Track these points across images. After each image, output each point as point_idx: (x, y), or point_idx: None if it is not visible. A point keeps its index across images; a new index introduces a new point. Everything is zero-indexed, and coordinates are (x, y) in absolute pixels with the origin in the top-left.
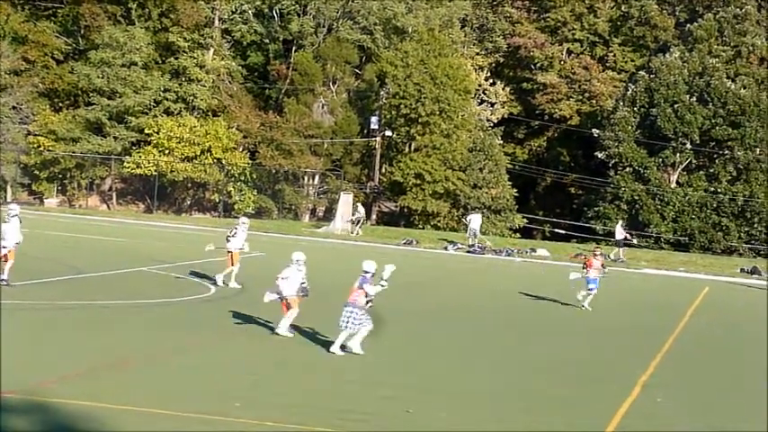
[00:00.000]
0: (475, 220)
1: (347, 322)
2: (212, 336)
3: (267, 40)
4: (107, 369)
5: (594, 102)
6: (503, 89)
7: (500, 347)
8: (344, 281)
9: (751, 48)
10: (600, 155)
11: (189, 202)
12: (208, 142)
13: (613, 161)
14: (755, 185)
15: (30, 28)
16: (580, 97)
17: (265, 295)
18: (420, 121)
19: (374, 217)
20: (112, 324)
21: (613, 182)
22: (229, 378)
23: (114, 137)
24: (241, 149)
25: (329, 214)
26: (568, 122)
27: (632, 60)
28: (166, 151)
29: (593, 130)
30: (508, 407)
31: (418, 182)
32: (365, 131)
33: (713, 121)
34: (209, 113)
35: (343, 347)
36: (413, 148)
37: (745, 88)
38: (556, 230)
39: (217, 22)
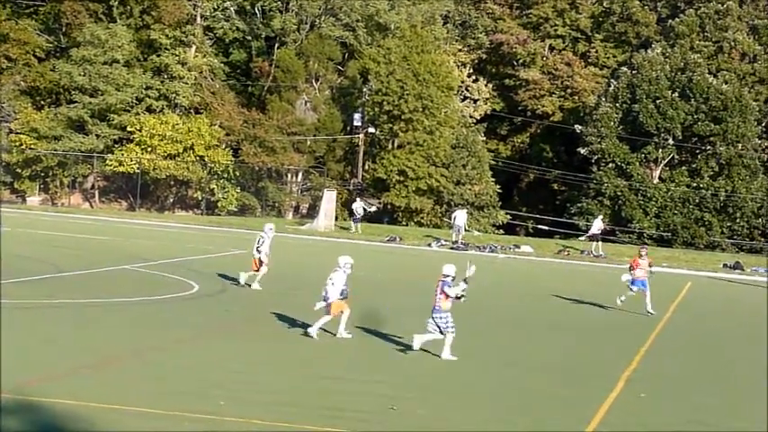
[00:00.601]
0: (460, 217)
1: (447, 326)
2: (195, 333)
3: (249, 37)
4: (90, 368)
5: (577, 98)
6: (485, 86)
7: (484, 345)
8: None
9: (732, 43)
10: (582, 151)
11: (172, 200)
12: (190, 140)
13: (596, 157)
14: (737, 181)
15: (11, 26)
16: (562, 93)
17: (316, 305)
18: (403, 117)
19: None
20: (95, 323)
21: (596, 178)
22: (213, 376)
23: (96, 135)
24: (224, 147)
25: (313, 211)
26: (551, 119)
27: (614, 56)
28: (149, 149)
29: (576, 126)
30: (491, 403)
31: (401, 179)
32: (348, 128)
33: (695, 116)
34: (192, 111)
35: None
36: (396, 144)
37: (726, 84)
38: (539, 227)
39: (199, 19)
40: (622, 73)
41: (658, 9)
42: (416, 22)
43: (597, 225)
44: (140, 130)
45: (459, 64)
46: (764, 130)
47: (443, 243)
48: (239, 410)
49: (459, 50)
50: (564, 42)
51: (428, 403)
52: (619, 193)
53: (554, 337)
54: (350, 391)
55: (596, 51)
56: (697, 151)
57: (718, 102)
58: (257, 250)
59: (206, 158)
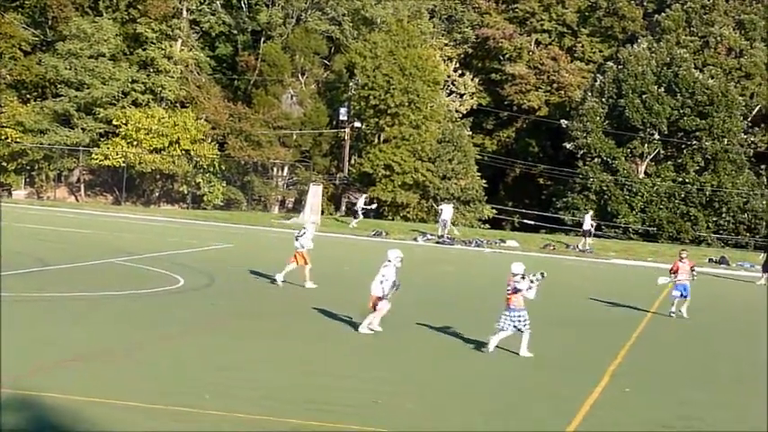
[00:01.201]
0: (446, 211)
1: (524, 324)
2: (181, 328)
3: (235, 31)
4: (75, 362)
5: (563, 92)
6: (471, 80)
7: (469, 339)
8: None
9: (719, 38)
10: (568, 146)
11: (157, 194)
12: (176, 134)
13: (582, 152)
14: (723, 176)
15: None
16: (548, 88)
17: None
18: (389, 112)
19: (343, 208)
20: (81, 316)
21: (582, 172)
22: (198, 370)
23: (82, 128)
24: (210, 141)
25: (298, 206)
26: (537, 113)
27: (600, 51)
28: (135, 143)
29: (562, 120)
30: (476, 397)
31: (387, 173)
32: (334, 122)
33: (681, 111)
34: (178, 105)
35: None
36: (382, 139)
37: (712, 78)
38: (525, 221)
39: (185, 12)
40: (608, 68)
41: (644, 4)
42: (403, 17)
43: (588, 221)
44: (126, 124)
45: (446, 58)
46: (750, 124)
47: (429, 237)
48: (224, 404)
49: (446, 45)
50: (550, 37)
51: (416, 398)
52: (604, 188)
53: (540, 332)
54: (336, 386)
55: (582, 46)
56: (683, 146)
57: (704, 96)
58: (299, 243)
59: (192, 152)
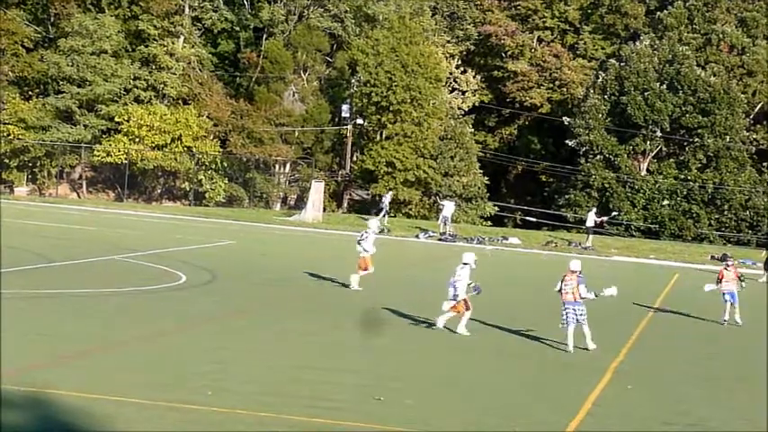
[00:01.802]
0: (447, 208)
1: (584, 318)
2: (182, 324)
3: (238, 28)
4: (76, 358)
5: (565, 90)
6: (473, 77)
7: (472, 335)
8: (317, 268)
9: (721, 35)
10: (570, 143)
11: (159, 191)
12: (178, 130)
13: (584, 149)
14: (725, 173)
15: None
16: (551, 85)
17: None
18: (391, 109)
19: (345, 205)
20: (83, 313)
21: (584, 170)
22: (199, 367)
23: (84, 125)
24: (212, 138)
25: (300, 203)
26: (539, 110)
27: (603, 48)
28: (137, 139)
29: (564, 118)
30: (478, 393)
31: (389, 170)
32: (336, 119)
33: (683, 108)
34: (180, 101)
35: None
36: (384, 136)
37: (715, 76)
38: (527, 218)
39: (187, 9)
40: (610, 65)
41: (647, 1)
42: (405, 14)
43: (591, 219)
44: (128, 121)
45: (448, 55)
46: (752, 122)
47: (431, 234)
48: (226, 401)
49: (448, 42)
50: (552, 34)
51: (418, 395)
52: (606, 185)
53: (542, 328)
54: (337, 382)
55: (585, 43)
56: (685, 143)
57: (706, 94)
58: (358, 243)
59: (194, 149)
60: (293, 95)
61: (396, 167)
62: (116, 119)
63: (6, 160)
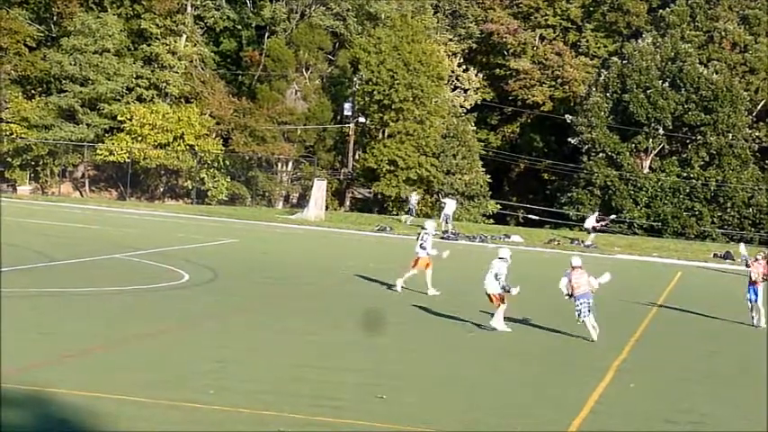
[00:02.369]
0: (449, 206)
1: (591, 308)
2: (185, 323)
3: (240, 27)
4: (78, 357)
5: (567, 88)
6: (476, 75)
7: (475, 335)
8: (319, 266)
9: (723, 33)
10: (573, 141)
11: (162, 189)
12: (181, 129)
13: (586, 147)
14: (728, 171)
15: (1, 15)
16: (553, 83)
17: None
18: (393, 107)
19: (348, 203)
20: (85, 312)
21: (586, 167)
22: (201, 365)
23: (87, 124)
24: (214, 136)
25: (303, 201)
26: (541, 108)
27: (605, 46)
28: (139, 138)
29: (566, 115)
30: (480, 391)
31: (392, 168)
32: (338, 118)
33: (686, 106)
34: (182, 100)
35: None
36: (386, 134)
37: (717, 73)
38: (529, 216)
39: (189, 8)
40: (613, 63)
41: None
42: (407, 12)
43: (590, 221)
44: (131, 120)
45: (450, 54)
46: (755, 119)
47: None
48: (227, 399)
49: (450, 40)
50: (554, 32)
51: (420, 393)
52: (609, 183)
53: (544, 326)
54: (338, 381)
55: (587, 41)
56: (687, 141)
57: (708, 91)
58: (421, 247)
59: (196, 148)
60: (295, 94)
61: (398, 166)
62: (118, 117)
63: (9, 159)
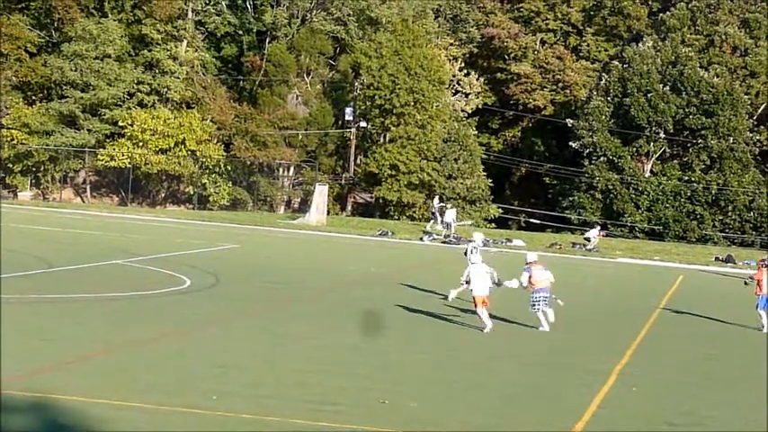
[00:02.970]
0: (449, 214)
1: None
2: (186, 328)
3: (241, 32)
4: (79, 362)
5: (568, 92)
6: (477, 79)
7: (475, 338)
8: (321, 271)
9: (724, 36)
10: (574, 144)
11: (163, 195)
12: (182, 134)
13: (587, 151)
14: (729, 174)
15: (2, 21)
16: (554, 87)
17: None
18: (395, 111)
19: (349, 208)
20: (86, 318)
21: (587, 171)
22: (203, 370)
23: (88, 129)
24: (215, 141)
25: (304, 206)
26: (542, 112)
27: (606, 50)
28: (140, 143)
29: (568, 119)
30: (483, 396)
31: (393, 172)
32: (340, 122)
33: (686, 110)
34: (183, 105)
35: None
36: (387, 138)
37: (718, 77)
38: (531, 220)
39: (190, 13)
40: (614, 67)
41: (649, 2)
42: (408, 17)
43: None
44: (132, 125)
45: (451, 58)
46: (756, 123)
47: (435, 237)
48: (230, 405)
49: (451, 44)
50: (555, 36)
51: (420, 396)
52: (610, 187)
53: (547, 332)
54: (341, 386)
55: (588, 45)
56: (688, 145)
57: (709, 95)
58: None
59: (197, 153)
60: (297, 99)
61: (399, 170)
62: (120, 123)
63: (10, 165)
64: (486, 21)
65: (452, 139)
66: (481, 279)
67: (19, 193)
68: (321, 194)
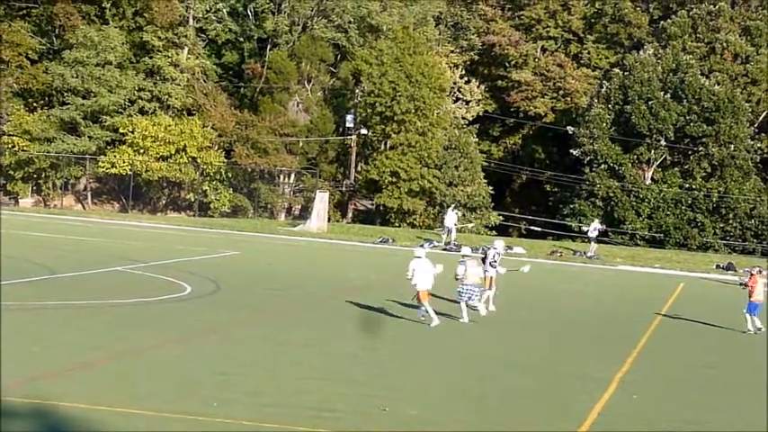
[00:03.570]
0: (450, 218)
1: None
2: (186, 335)
3: (242, 39)
4: (80, 369)
5: (569, 99)
6: (477, 87)
7: (475, 344)
8: (322, 278)
9: (725, 44)
10: (575, 152)
11: (164, 202)
12: (183, 141)
13: (588, 158)
14: (730, 182)
15: (4, 28)
16: (555, 95)
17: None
18: (395, 119)
19: (350, 215)
20: (87, 324)
21: (588, 179)
22: (204, 378)
23: (89, 136)
24: (216, 148)
25: (305, 213)
26: (543, 120)
27: (606, 58)
28: (141, 150)
29: (568, 127)
30: (484, 403)
31: (394, 180)
32: (340, 130)
33: (687, 117)
34: (184, 112)
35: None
36: (388, 146)
37: (719, 85)
38: (532, 228)
39: (191, 20)
40: (614, 74)
41: (650, 10)
42: (408, 24)
43: (592, 230)
44: (133, 132)
45: (452, 65)
46: (757, 131)
47: (436, 245)
48: (230, 412)
49: (452, 52)
50: (556, 44)
51: (420, 403)
52: (611, 195)
53: (547, 337)
54: (341, 393)
55: (588, 53)
56: (689, 152)
57: (710, 103)
58: (491, 265)
59: (198, 160)
60: (297, 106)
61: (400, 177)
62: (121, 130)
63: (11, 172)
64: (487, 28)
65: (453, 146)
66: (425, 274)
67: (20, 200)
68: (322, 201)
